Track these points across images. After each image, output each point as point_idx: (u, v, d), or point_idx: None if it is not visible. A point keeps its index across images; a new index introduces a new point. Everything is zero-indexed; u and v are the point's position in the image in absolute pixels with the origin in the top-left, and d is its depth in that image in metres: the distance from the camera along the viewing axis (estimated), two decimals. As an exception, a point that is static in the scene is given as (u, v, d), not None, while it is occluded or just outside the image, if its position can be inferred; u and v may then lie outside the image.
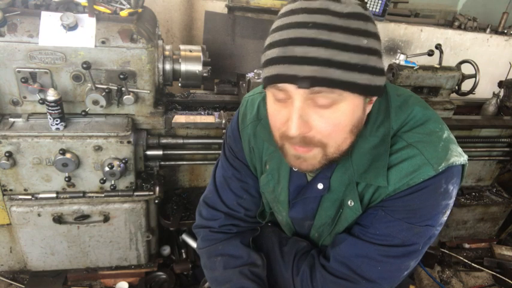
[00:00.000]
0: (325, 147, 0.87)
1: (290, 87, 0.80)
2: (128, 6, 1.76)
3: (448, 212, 0.98)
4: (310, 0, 0.80)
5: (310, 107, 0.82)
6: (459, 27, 3.02)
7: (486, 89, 2.94)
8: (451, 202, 0.97)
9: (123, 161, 1.75)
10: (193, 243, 2.22)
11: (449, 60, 2.84)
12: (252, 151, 1.17)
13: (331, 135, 0.85)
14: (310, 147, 0.86)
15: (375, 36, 0.82)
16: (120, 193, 1.86)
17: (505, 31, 3.07)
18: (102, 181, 1.77)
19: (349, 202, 1.01)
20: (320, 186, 1.04)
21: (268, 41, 0.84)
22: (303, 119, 0.82)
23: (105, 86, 1.67)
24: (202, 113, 2.14)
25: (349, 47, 0.77)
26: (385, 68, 0.91)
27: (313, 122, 0.83)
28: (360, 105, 0.85)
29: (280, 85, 0.81)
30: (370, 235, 0.99)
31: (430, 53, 2.19)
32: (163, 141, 1.97)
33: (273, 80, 0.81)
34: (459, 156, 0.93)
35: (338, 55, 0.76)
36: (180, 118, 1.99)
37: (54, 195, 1.80)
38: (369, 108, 0.91)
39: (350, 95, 0.81)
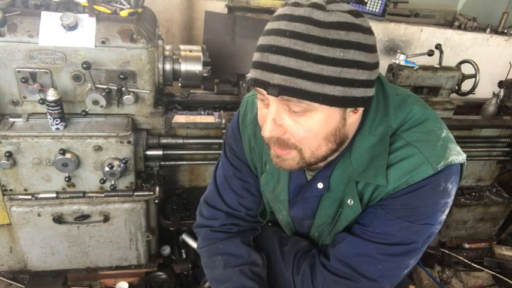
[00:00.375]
0: (301, 152, 0.90)
1: (264, 92, 0.83)
2: (128, 6, 1.77)
3: (447, 211, 0.99)
4: (296, 6, 0.80)
5: (285, 111, 0.85)
6: (459, 27, 3.02)
7: (486, 89, 2.94)
8: (450, 201, 0.97)
9: (123, 161, 1.75)
10: (193, 243, 2.22)
11: (449, 60, 2.84)
12: (253, 151, 1.18)
13: (304, 141, 0.88)
14: (286, 149, 0.90)
15: (358, 46, 0.79)
16: (120, 193, 1.86)
17: (505, 31, 3.07)
18: (102, 181, 1.77)
19: (348, 201, 1.02)
20: (320, 185, 1.05)
21: (257, 43, 0.87)
22: (276, 123, 0.86)
23: (105, 86, 1.68)
24: (202, 113, 2.14)
25: (322, 58, 0.77)
26: (382, 64, 0.89)
27: (287, 126, 0.86)
28: (336, 115, 0.85)
29: (258, 89, 0.84)
30: (369, 234, 1.00)
31: (430, 53, 2.19)
32: (163, 141, 1.97)
33: (251, 83, 0.85)
34: (458, 155, 0.94)
35: (308, 66, 0.77)
36: (180, 118, 1.99)
37: (54, 195, 1.80)
38: (354, 117, 0.91)
39: (321, 106, 0.81)
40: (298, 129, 0.86)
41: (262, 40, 0.83)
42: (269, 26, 0.84)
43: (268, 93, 0.81)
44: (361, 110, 0.91)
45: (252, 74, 0.85)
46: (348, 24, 0.78)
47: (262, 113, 0.91)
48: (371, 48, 0.83)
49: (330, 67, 0.77)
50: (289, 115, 0.85)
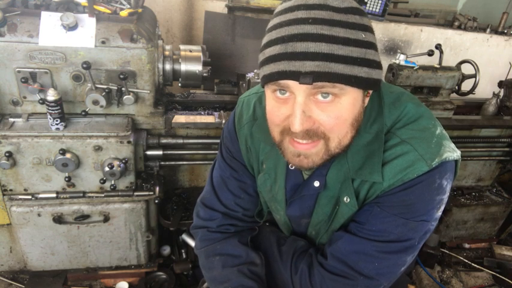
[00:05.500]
0: (328, 141, 0.87)
1: (292, 84, 0.80)
2: (128, 6, 1.77)
3: (442, 207, 0.99)
4: None
5: (312, 102, 0.83)
6: (459, 27, 3.02)
7: (486, 89, 2.94)
8: (445, 197, 0.98)
9: (123, 161, 1.75)
10: (193, 243, 2.22)
11: (449, 60, 2.84)
12: (249, 151, 1.18)
13: (334, 129, 0.86)
14: (314, 140, 0.87)
15: (371, 30, 0.84)
16: (120, 193, 1.86)
17: (505, 31, 3.08)
18: (102, 181, 1.77)
19: (345, 199, 1.02)
20: (316, 183, 1.05)
21: (266, 39, 0.85)
22: (305, 115, 0.83)
23: (105, 86, 1.68)
24: (202, 113, 2.15)
25: (349, 41, 0.78)
26: (382, 64, 0.91)
27: (316, 116, 0.84)
28: (359, 98, 0.86)
29: (282, 82, 0.81)
30: (366, 231, 1.00)
31: (430, 53, 2.19)
32: (163, 141, 1.97)
33: (275, 77, 0.81)
34: (452, 152, 0.94)
35: (339, 49, 0.77)
36: (180, 118, 1.99)
37: (54, 195, 1.80)
38: (366, 101, 0.92)
39: (351, 89, 0.82)
40: (329, 116, 0.83)
41: (278, 32, 0.81)
42: (280, 19, 0.82)
43: (300, 83, 0.78)
44: (370, 93, 0.92)
45: (271, 68, 0.81)
46: (359, 9, 0.81)
47: (277, 109, 0.87)
48: (374, 32, 0.87)
49: (356, 48, 0.78)
50: (317, 105, 0.83)
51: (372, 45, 0.82)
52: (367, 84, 0.83)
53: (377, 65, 0.84)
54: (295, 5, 0.81)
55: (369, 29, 0.82)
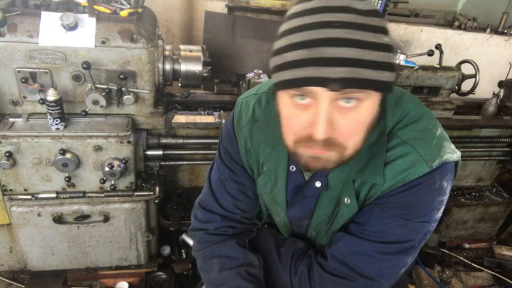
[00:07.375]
0: (343, 150, 0.85)
1: (318, 90, 0.77)
2: (128, 6, 1.77)
3: (442, 208, 0.99)
4: None
5: (335, 108, 0.79)
6: (459, 27, 3.02)
7: (486, 89, 2.94)
8: (446, 198, 0.98)
9: (123, 161, 1.75)
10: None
11: (449, 60, 2.84)
12: (249, 153, 1.16)
13: (351, 135, 0.83)
14: (330, 148, 0.84)
15: (389, 32, 0.81)
16: (120, 193, 1.86)
17: (505, 31, 3.07)
18: (102, 181, 1.77)
19: (345, 199, 1.02)
20: (318, 184, 1.04)
21: (284, 42, 0.80)
22: (329, 122, 0.80)
23: (105, 86, 1.68)
24: (202, 113, 2.15)
25: (375, 45, 0.75)
26: None
27: (338, 123, 0.81)
28: (378, 101, 0.85)
29: (306, 88, 0.77)
30: (366, 232, 1.00)
31: (430, 53, 2.19)
32: (163, 141, 1.97)
33: (300, 83, 0.77)
34: (452, 153, 0.94)
35: (368, 54, 0.74)
36: (180, 118, 1.99)
37: (54, 195, 1.80)
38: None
39: (374, 93, 0.80)
40: (349, 123, 0.81)
41: (300, 36, 0.76)
42: (300, 21, 0.77)
43: (330, 90, 0.75)
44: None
45: (295, 73, 0.76)
46: (378, 12, 0.79)
47: (296, 117, 0.83)
48: None
49: (381, 53, 0.76)
50: (340, 111, 0.80)
51: (392, 48, 0.80)
52: (387, 88, 0.81)
53: (395, 68, 0.82)
54: (316, 7, 0.76)
55: (388, 32, 0.80)
